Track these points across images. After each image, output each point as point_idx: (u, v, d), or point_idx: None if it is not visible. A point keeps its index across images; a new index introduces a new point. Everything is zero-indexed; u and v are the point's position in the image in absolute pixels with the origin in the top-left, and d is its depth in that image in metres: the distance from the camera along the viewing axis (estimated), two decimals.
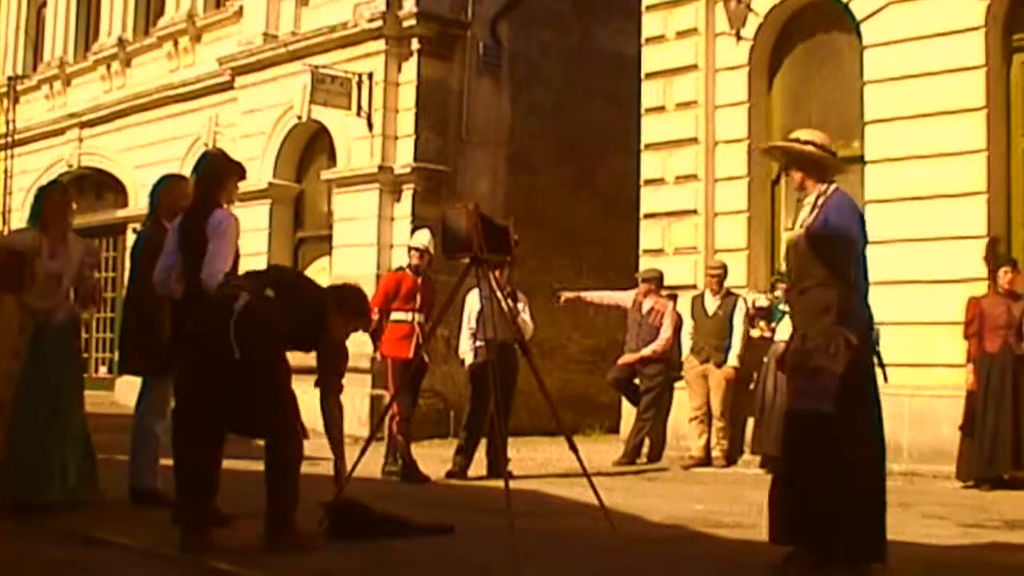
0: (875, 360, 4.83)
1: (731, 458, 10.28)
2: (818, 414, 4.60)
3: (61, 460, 6.25)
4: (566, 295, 10.88)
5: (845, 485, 4.57)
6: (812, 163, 4.88)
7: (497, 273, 8.40)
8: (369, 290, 8.86)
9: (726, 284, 10.45)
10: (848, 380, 4.63)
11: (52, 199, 6.54)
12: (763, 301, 10.31)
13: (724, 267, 10.43)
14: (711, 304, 10.39)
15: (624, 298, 10.89)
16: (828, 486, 4.57)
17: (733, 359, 10.29)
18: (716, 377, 10.28)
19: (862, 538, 4.64)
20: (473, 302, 8.98)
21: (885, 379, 4.85)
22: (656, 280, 10.74)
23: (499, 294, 6.84)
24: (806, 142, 4.91)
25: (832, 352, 4.52)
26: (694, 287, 10.80)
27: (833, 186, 4.88)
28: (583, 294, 11.09)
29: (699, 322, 10.37)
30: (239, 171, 6.13)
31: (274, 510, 5.16)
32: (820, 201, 4.85)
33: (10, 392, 6.14)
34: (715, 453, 10.23)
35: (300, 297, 5.39)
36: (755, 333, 10.30)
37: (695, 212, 11.01)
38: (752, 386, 10.11)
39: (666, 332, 10.56)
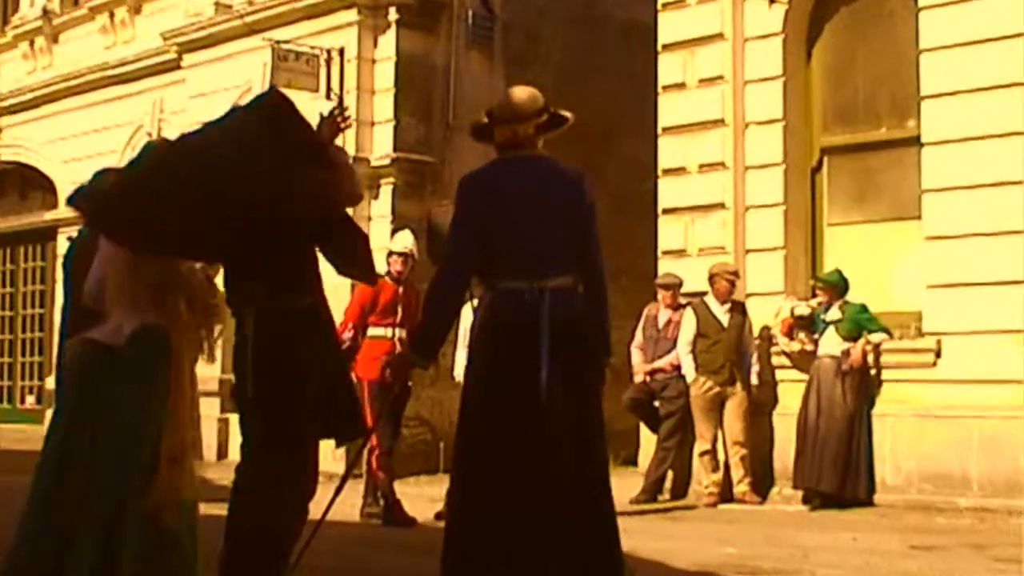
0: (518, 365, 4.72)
1: (761, 492, 10.34)
2: None
3: None
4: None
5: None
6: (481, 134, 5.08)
7: None
8: (343, 302, 8.94)
9: (752, 289, 10.57)
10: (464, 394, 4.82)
11: None
12: (803, 309, 10.33)
13: (738, 271, 10.56)
14: (721, 314, 10.45)
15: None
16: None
17: (755, 378, 10.45)
18: (739, 400, 10.36)
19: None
20: (470, 316, 8.96)
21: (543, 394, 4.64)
22: (678, 287, 10.78)
23: None
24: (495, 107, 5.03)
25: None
26: (703, 294, 10.74)
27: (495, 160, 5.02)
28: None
29: (713, 336, 10.40)
30: None
31: None
32: None
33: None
34: (740, 488, 10.29)
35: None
36: (794, 346, 10.35)
37: (722, 206, 10.99)
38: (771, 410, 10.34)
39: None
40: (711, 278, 10.48)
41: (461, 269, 4.88)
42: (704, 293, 10.60)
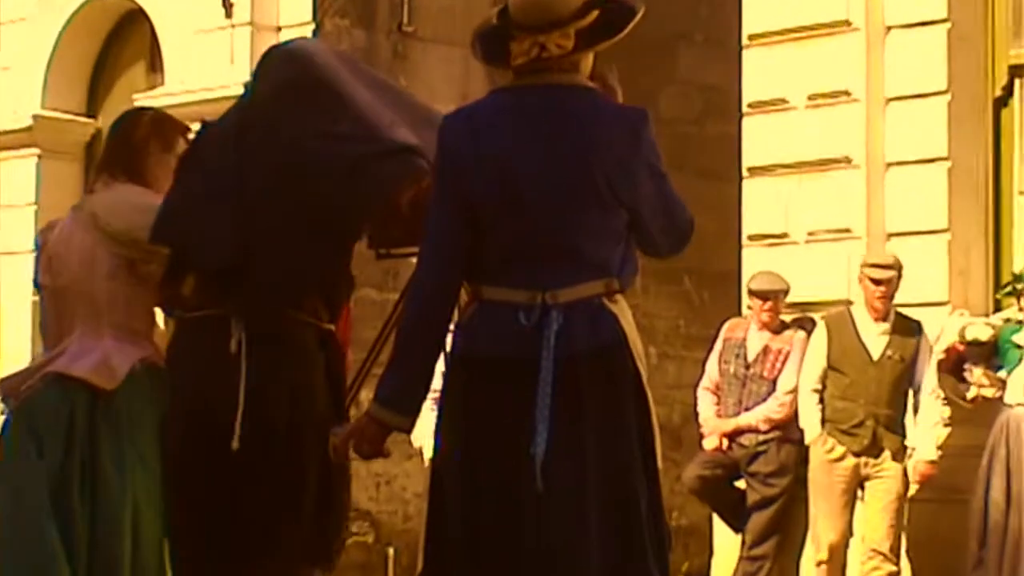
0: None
1: None
2: None
3: None
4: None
5: None
6: None
7: None
8: None
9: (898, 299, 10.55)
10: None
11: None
12: (980, 330, 10.30)
13: (899, 266, 10.40)
14: (873, 336, 10.39)
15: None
16: None
17: (930, 449, 10.28)
18: (891, 482, 10.31)
19: None
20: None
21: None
22: (780, 296, 10.76)
23: None
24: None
25: None
26: (848, 304, 10.78)
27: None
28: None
29: (852, 374, 10.35)
30: None
31: None
32: None
33: None
34: None
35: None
36: (970, 392, 10.23)
37: (847, 161, 11.07)
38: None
39: (791, 385, 10.73)
40: (863, 276, 10.39)
41: (445, 271, 4.88)
42: (829, 304, 10.67)
